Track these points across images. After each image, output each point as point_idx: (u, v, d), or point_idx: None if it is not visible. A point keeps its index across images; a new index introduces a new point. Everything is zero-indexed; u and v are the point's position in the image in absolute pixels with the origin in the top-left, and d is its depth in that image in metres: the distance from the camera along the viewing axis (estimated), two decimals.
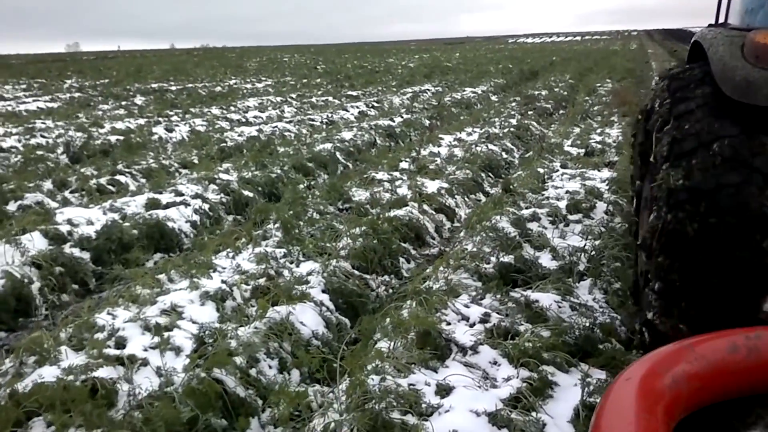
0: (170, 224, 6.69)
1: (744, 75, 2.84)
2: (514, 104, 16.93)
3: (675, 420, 1.46)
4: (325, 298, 4.77)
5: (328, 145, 10.84)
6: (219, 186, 8.06)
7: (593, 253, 5.36)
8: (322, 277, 4.96)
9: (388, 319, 4.25)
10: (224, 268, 5.25)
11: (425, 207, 7.20)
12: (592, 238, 5.85)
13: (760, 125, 2.83)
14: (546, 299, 4.39)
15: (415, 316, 4.06)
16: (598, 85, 21.41)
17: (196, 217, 7.08)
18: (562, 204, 6.94)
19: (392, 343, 3.89)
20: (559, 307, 4.38)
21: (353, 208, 6.93)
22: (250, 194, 8.08)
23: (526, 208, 6.93)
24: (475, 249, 5.55)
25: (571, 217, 6.57)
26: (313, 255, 5.54)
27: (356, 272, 5.34)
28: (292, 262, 5.43)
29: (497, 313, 4.31)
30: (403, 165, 9.25)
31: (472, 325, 4.14)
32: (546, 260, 5.36)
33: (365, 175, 8.40)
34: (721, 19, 4.40)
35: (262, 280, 4.87)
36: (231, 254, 5.59)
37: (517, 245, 5.68)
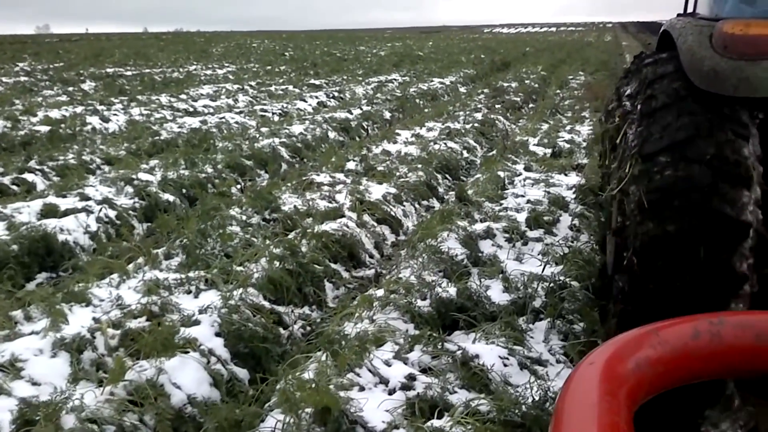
0: (63, 237, 5.67)
1: (712, 65, 2.84)
2: (482, 96, 16.02)
3: (638, 403, 1.42)
4: (218, 344, 3.82)
5: (274, 140, 9.84)
6: (135, 188, 7.04)
7: (552, 284, 4.47)
8: (219, 314, 4.00)
9: (288, 379, 3.32)
10: (102, 301, 4.27)
11: (366, 217, 6.26)
12: (553, 262, 4.97)
13: (727, 114, 2.85)
14: (489, 354, 3.48)
15: (319, 380, 3.12)
16: (571, 77, 20.59)
17: (98, 227, 6.07)
18: (522, 216, 6.04)
19: (284, 419, 2.96)
20: (505, 365, 3.47)
21: (280, 219, 5.97)
22: (171, 198, 7.07)
23: (481, 220, 6.02)
24: (413, 277, 4.63)
25: (530, 234, 5.68)
26: (219, 282, 4.58)
27: (267, 305, 4.39)
28: (189, 292, 4.46)
29: (426, 372, 3.39)
30: (351, 165, 8.31)
31: (391, 392, 3.22)
32: (496, 292, 4.46)
33: (304, 178, 7.43)
34: (690, 9, 4.37)
35: (135, 322, 3.89)
36: (117, 281, 4.60)
37: (464, 272, 4.77)
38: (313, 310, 4.68)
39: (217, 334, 3.89)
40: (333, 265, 5.26)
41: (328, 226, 5.66)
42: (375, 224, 6.26)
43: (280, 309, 4.47)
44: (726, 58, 2.83)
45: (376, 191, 6.98)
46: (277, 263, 4.76)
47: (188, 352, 3.62)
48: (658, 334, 1.56)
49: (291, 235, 5.53)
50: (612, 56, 29.89)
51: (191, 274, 4.64)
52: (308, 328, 4.42)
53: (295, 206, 6.22)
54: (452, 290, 4.26)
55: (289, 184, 7.37)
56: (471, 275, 4.78)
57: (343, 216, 6.03)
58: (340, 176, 7.70)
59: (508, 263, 5.00)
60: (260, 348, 3.90)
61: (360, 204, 6.43)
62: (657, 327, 1.60)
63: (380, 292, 4.34)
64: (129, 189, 7.03)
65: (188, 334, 3.77)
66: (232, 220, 5.80)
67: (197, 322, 3.93)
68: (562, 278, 4.54)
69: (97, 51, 38.49)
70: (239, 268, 4.73)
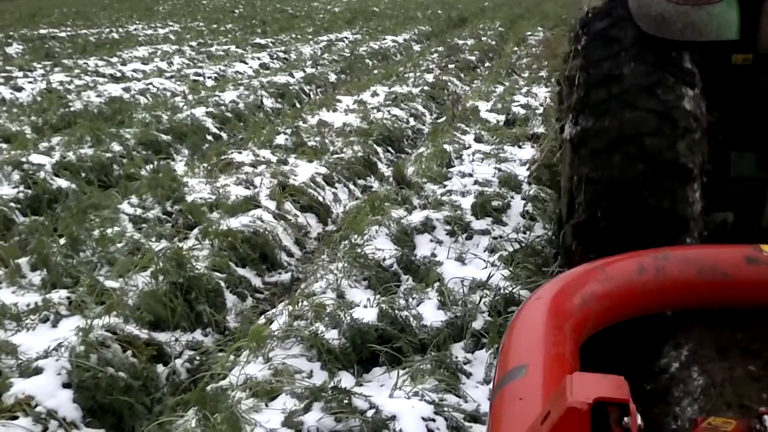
0: None
1: (659, 10, 2.91)
2: (435, 56, 15.09)
3: (583, 337, 1.47)
4: (64, 399, 2.94)
5: (197, 111, 8.80)
6: (24, 173, 6.02)
7: (497, 297, 3.66)
8: (71, 355, 3.11)
9: None
10: None
11: (288, 205, 5.38)
12: (501, 262, 4.17)
13: (673, 59, 2.93)
14: (409, 414, 2.65)
15: None
16: (529, 33, 19.67)
17: None
18: (468, 202, 5.22)
19: None
20: (430, 429, 2.65)
21: (180, 213, 5.05)
22: (67, 184, 6.06)
23: (421, 207, 5.19)
24: (330, 291, 3.78)
25: (476, 224, 4.86)
26: (89, 304, 3.68)
27: (144, 334, 3.51)
28: (46, 320, 3.56)
29: None
30: (281, 139, 7.36)
31: None
32: (430, 309, 3.65)
33: (222, 157, 6.49)
34: None
35: None
36: None
37: (393, 282, 3.95)
38: (207, 333, 3.81)
39: (66, 385, 3.01)
40: (240, 271, 4.38)
41: (239, 221, 4.76)
42: (298, 213, 5.39)
43: (163, 337, 3.59)
44: (672, 3, 2.89)
45: (304, 171, 6.10)
46: (162, 276, 3.87)
47: (17, 417, 2.74)
48: (605, 270, 1.62)
49: (193, 234, 4.65)
50: (571, 11, 28.98)
51: (52, 295, 3.73)
52: (197, 361, 3.56)
53: (201, 197, 5.29)
54: (373, 312, 3.42)
55: (205, 165, 6.43)
56: (402, 284, 3.97)
57: (258, 206, 5.14)
58: (266, 153, 6.76)
59: (448, 266, 4.19)
60: (124, 401, 3.03)
61: (282, 189, 5.54)
62: (603, 263, 1.68)
63: (283, 318, 3.48)
64: (16, 175, 6.03)
65: (23, 390, 2.88)
66: (124, 213, 4.87)
67: (39, 370, 3.04)
68: (510, 288, 3.73)
69: (34, 10, 36.33)
70: (114, 284, 3.83)
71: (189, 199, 5.26)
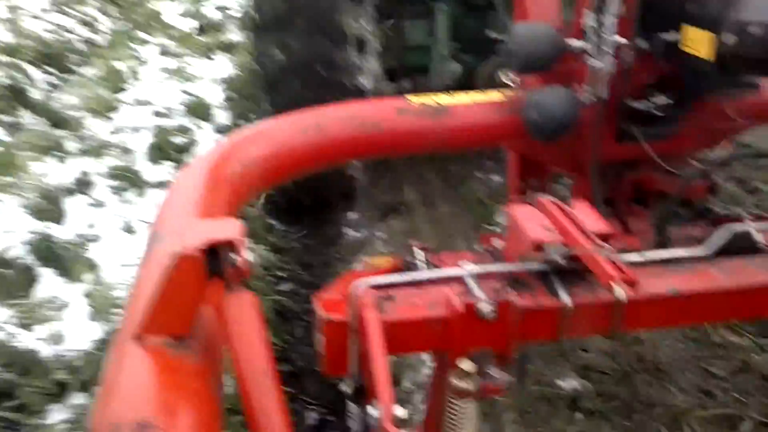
0: None
1: None
2: None
3: (244, 200, 1.54)
4: None
5: None
6: None
7: None
8: None
9: None
10: None
11: None
12: None
13: None
14: None
15: None
16: None
17: None
18: (142, 142, 4.09)
19: None
20: None
21: None
22: None
23: (81, 153, 3.96)
24: None
25: (151, 174, 3.78)
26: None
27: None
28: None
29: None
30: None
31: None
32: (79, 320, 2.58)
33: None
34: None
35: None
36: None
37: (24, 282, 2.79)
38: None
39: None
40: None
41: None
42: None
43: None
44: None
45: None
46: None
47: None
48: (264, 133, 1.69)
49: None
50: None
51: None
52: None
53: None
54: None
55: None
56: (37, 283, 2.83)
57: None
58: None
59: (109, 242, 3.11)
60: None
61: None
62: (263, 127, 1.73)
63: None
64: None
65: None
66: None
67: None
68: None
69: None
70: None
71: None
